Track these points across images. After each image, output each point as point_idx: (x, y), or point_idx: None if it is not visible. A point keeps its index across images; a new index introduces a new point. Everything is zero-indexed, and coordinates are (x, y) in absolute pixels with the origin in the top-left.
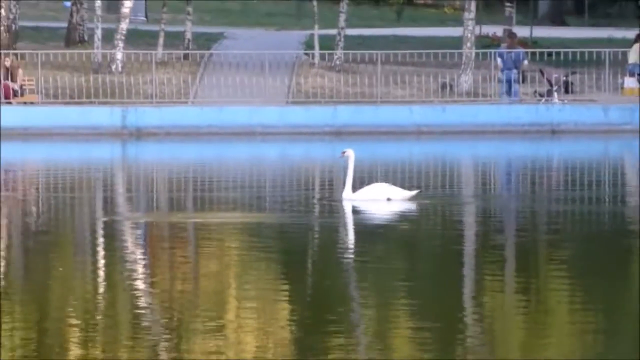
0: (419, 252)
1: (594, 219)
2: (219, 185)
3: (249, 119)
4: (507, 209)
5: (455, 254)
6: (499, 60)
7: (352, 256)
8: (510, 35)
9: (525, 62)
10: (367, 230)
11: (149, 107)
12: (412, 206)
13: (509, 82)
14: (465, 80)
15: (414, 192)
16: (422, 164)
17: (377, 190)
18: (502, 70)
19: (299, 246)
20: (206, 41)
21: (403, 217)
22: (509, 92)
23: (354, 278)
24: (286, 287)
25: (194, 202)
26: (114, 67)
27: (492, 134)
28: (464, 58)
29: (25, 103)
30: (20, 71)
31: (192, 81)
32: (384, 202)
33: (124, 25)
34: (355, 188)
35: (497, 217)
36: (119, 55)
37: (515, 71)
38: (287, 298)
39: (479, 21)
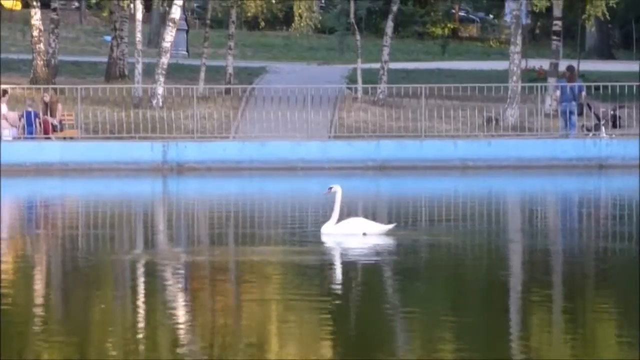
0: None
1: None
2: (259, 221)
3: (291, 153)
4: (552, 246)
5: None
6: (557, 92)
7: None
8: (569, 68)
9: (584, 93)
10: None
11: (190, 142)
12: (394, 241)
13: (565, 114)
14: (511, 114)
15: (390, 226)
16: (467, 198)
17: (353, 224)
18: (560, 103)
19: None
20: (248, 75)
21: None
22: (566, 125)
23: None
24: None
25: (234, 239)
26: (154, 101)
27: (538, 169)
28: (509, 92)
29: (64, 138)
30: (59, 106)
31: (233, 116)
32: (360, 236)
33: (164, 60)
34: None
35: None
36: (160, 90)
37: (574, 103)
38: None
39: (525, 54)
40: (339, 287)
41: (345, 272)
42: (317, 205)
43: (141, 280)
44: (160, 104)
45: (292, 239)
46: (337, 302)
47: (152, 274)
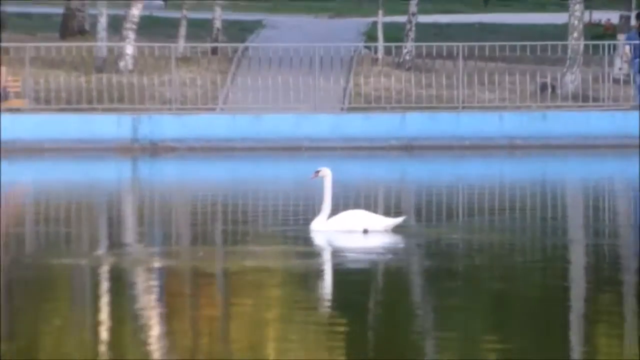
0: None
1: None
2: (253, 215)
3: (294, 130)
4: (626, 249)
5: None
6: (627, 47)
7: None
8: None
9: None
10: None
11: (168, 115)
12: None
13: (638, 78)
14: (572, 80)
15: (397, 220)
16: (515, 186)
17: (350, 219)
18: (632, 64)
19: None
20: (240, 32)
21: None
22: None
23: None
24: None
25: (222, 238)
26: (122, 64)
27: (605, 149)
28: (569, 52)
29: (9, 110)
30: (2, 70)
31: (221, 82)
32: (360, 234)
33: (135, 11)
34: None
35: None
36: (129, 50)
37: None
38: None
39: (588, 5)
40: (342, 303)
41: (345, 284)
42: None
43: (103, 290)
44: (130, 66)
45: (288, 237)
46: (345, 325)
47: (118, 282)
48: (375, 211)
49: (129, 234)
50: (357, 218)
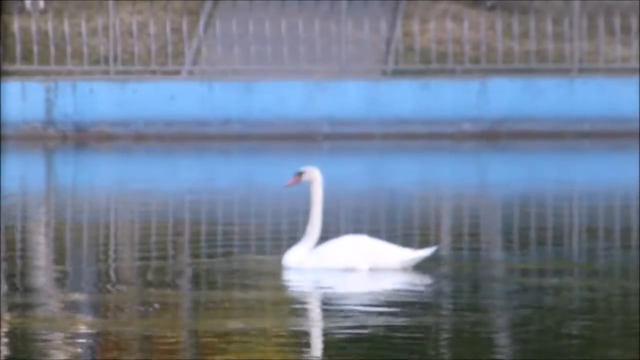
0: None
1: None
2: (225, 239)
3: (305, 107)
4: None
5: None
6: None
7: None
8: None
9: None
10: None
11: (102, 83)
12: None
13: None
14: None
15: (423, 253)
16: None
17: (347, 250)
18: None
19: None
20: None
21: None
22: None
23: None
24: None
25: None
26: (29, 2)
27: None
28: None
29: None
30: None
31: (190, 30)
32: (362, 274)
33: None
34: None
35: None
36: None
37: None
38: None
39: None
40: None
41: None
42: (346, 211)
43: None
44: (42, 6)
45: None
46: None
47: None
48: (436, 239)
49: (37, 278)
50: (358, 248)
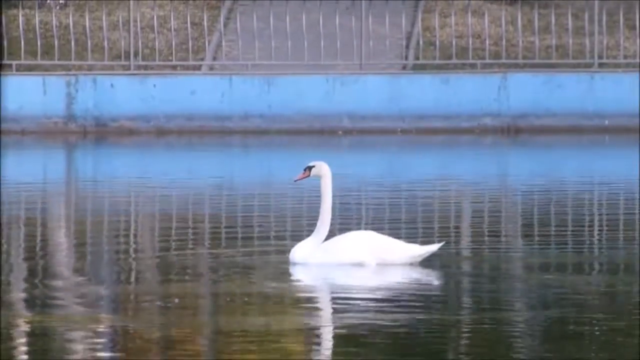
0: None
1: None
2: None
3: (326, 102)
4: None
5: None
6: None
7: None
8: None
9: None
10: None
11: (123, 78)
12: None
13: None
14: None
15: (429, 248)
16: None
17: (354, 245)
18: None
19: None
20: None
21: None
22: None
23: None
24: None
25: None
26: None
27: None
28: None
29: None
30: None
31: (210, 25)
32: (369, 269)
33: None
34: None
35: None
36: None
37: None
38: None
39: None
40: None
41: None
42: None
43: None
44: (63, 0)
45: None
46: None
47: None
48: (456, 238)
49: (62, 266)
50: (365, 244)
